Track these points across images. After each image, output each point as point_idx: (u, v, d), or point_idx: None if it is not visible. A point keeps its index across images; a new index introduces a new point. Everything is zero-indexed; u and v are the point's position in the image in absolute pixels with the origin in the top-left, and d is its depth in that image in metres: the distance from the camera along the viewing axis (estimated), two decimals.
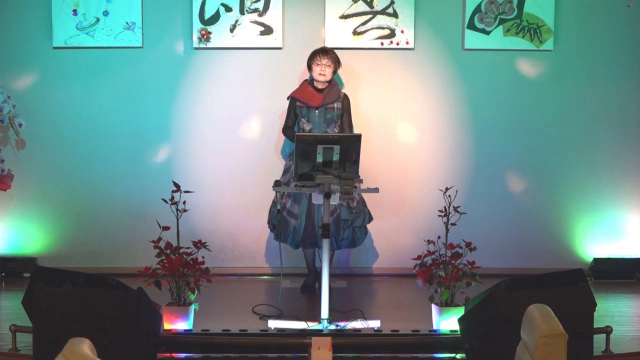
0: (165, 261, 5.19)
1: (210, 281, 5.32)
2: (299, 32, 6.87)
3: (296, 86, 6.46)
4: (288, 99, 6.37)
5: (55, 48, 6.85)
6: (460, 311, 5.02)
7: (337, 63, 6.31)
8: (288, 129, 6.38)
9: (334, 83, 6.41)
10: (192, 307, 5.25)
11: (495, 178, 6.97)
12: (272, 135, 6.92)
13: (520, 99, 6.94)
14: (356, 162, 5.31)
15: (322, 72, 6.22)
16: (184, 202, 5.27)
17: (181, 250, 5.27)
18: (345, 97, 6.41)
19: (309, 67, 6.31)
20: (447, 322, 5.22)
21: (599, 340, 4.79)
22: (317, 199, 5.38)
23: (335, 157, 5.23)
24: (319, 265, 5.96)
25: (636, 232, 7.00)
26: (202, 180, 6.85)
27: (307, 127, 6.27)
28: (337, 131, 6.26)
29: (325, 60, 6.24)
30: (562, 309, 3.73)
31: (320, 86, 6.29)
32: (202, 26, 6.81)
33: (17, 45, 6.86)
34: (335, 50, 6.49)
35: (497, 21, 6.85)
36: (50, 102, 6.90)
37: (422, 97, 6.95)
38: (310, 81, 6.32)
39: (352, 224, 6.28)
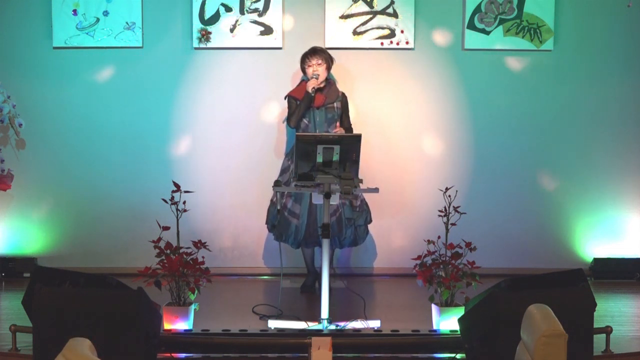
0: (165, 261, 5.18)
1: (210, 281, 5.32)
2: (299, 32, 6.87)
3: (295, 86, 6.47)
4: (285, 98, 6.37)
5: (55, 48, 6.85)
6: (460, 311, 5.02)
7: (329, 60, 6.31)
8: (293, 116, 6.30)
9: (332, 82, 6.41)
10: (192, 307, 5.25)
11: (495, 178, 6.97)
12: (272, 135, 6.92)
13: (521, 99, 6.94)
14: (356, 162, 5.31)
15: (315, 71, 6.22)
16: (184, 202, 5.27)
17: (181, 250, 5.27)
18: (344, 95, 6.42)
19: (302, 70, 6.32)
20: (447, 322, 5.22)
21: (599, 340, 4.79)
22: (317, 199, 5.38)
23: (335, 157, 5.22)
24: (318, 265, 5.97)
25: (636, 232, 7.00)
26: (202, 180, 6.85)
27: (308, 127, 6.26)
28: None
29: (315, 60, 6.24)
30: (562, 309, 3.73)
31: (319, 85, 6.29)
32: (202, 26, 6.81)
33: (17, 45, 6.86)
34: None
35: (497, 21, 6.85)
36: (50, 102, 6.90)
37: (422, 97, 6.96)
38: (307, 81, 6.31)
39: (355, 223, 6.28)
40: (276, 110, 6.85)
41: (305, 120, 6.26)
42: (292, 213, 6.26)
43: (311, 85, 6.18)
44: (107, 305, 4.41)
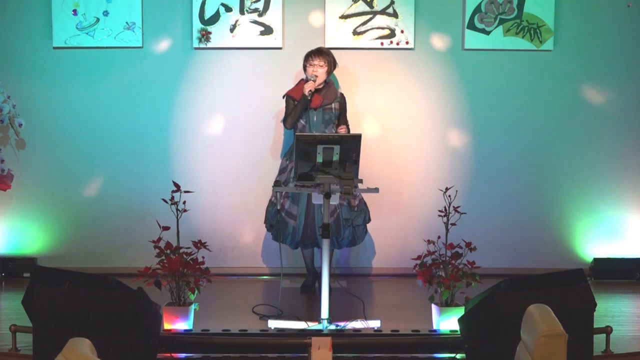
0: (165, 261, 5.19)
1: (210, 281, 5.32)
2: (299, 32, 6.87)
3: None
4: (284, 97, 6.36)
5: (55, 48, 6.85)
6: (460, 311, 5.02)
7: (331, 64, 6.28)
8: (289, 118, 6.29)
9: (331, 83, 6.39)
10: (192, 307, 5.25)
11: (495, 178, 6.97)
12: (272, 135, 6.92)
13: (520, 99, 6.94)
14: (356, 162, 5.31)
15: (315, 73, 6.21)
16: (184, 202, 5.27)
17: (181, 250, 5.27)
18: (342, 96, 6.40)
19: (304, 68, 6.31)
20: (447, 322, 5.22)
21: (599, 340, 4.79)
22: (317, 199, 5.38)
23: (335, 157, 5.22)
24: (318, 265, 5.97)
25: (636, 232, 7.00)
26: (202, 180, 6.85)
27: (304, 127, 6.25)
28: (334, 132, 6.25)
29: (317, 61, 6.23)
30: (562, 309, 3.73)
31: (317, 87, 6.27)
32: (202, 26, 6.81)
33: (17, 45, 6.86)
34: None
35: (497, 21, 6.85)
36: (50, 102, 6.90)
37: (422, 97, 6.95)
38: (307, 81, 6.29)
39: (353, 223, 6.28)
40: (276, 110, 6.84)
41: (302, 121, 6.24)
42: (290, 214, 6.26)
43: (308, 88, 6.16)
44: (107, 305, 4.41)
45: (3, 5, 6.83)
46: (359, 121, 6.81)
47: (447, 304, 5.26)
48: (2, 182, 6.71)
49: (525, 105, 6.94)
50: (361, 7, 6.83)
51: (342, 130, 6.21)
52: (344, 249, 6.68)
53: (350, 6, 6.83)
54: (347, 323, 5.28)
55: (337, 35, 6.84)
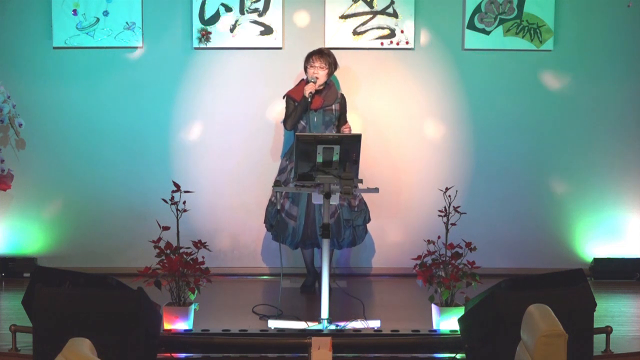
0: (165, 261, 5.19)
1: (210, 281, 5.32)
2: (299, 32, 6.87)
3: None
4: (284, 97, 6.35)
5: (55, 48, 6.85)
6: (460, 311, 5.02)
7: (332, 66, 6.27)
8: (289, 119, 6.29)
9: (331, 84, 6.38)
10: (192, 307, 5.25)
11: (495, 178, 6.97)
12: (272, 135, 6.92)
13: (520, 99, 6.94)
14: (356, 162, 5.30)
15: (315, 74, 6.20)
16: (184, 202, 5.27)
17: (181, 250, 5.27)
18: (342, 97, 6.40)
19: (305, 69, 6.30)
20: (447, 322, 5.22)
21: (599, 340, 4.79)
22: (317, 199, 5.38)
23: (335, 157, 5.22)
24: (318, 265, 5.97)
25: (636, 232, 7.00)
26: (202, 180, 6.85)
27: (305, 128, 6.23)
28: (335, 132, 6.24)
29: (318, 63, 6.21)
30: (562, 309, 3.73)
31: (318, 88, 6.26)
32: (202, 26, 6.81)
33: (17, 45, 6.86)
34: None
35: (497, 21, 6.85)
36: (50, 102, 6.90)
37: (422, 97, 6.95)
38: (307, 82, 6.28)
39: (353, 223, 6.27)
40: (276, 110, 6.84)
41: (302, 122, 6.23)
42: (290, 215, 6.25)
43: (308, 90, 6.14)
44: (107, 305, 4.41)
45: (3, 5, 6.83)
46: (359, 121, 6.81)
47: (447, 304, 5.26)
48: (2, 182, 6.71)
49: (525, 105, 6.94)
50: (361, 7, 6.83)
51: (346, 130, 6.21)
52: (344, 249, 6.68)
53: (350, 6, 6.83)
54: (347, 323, 5.28)
55: (337, 35, 6.84)
